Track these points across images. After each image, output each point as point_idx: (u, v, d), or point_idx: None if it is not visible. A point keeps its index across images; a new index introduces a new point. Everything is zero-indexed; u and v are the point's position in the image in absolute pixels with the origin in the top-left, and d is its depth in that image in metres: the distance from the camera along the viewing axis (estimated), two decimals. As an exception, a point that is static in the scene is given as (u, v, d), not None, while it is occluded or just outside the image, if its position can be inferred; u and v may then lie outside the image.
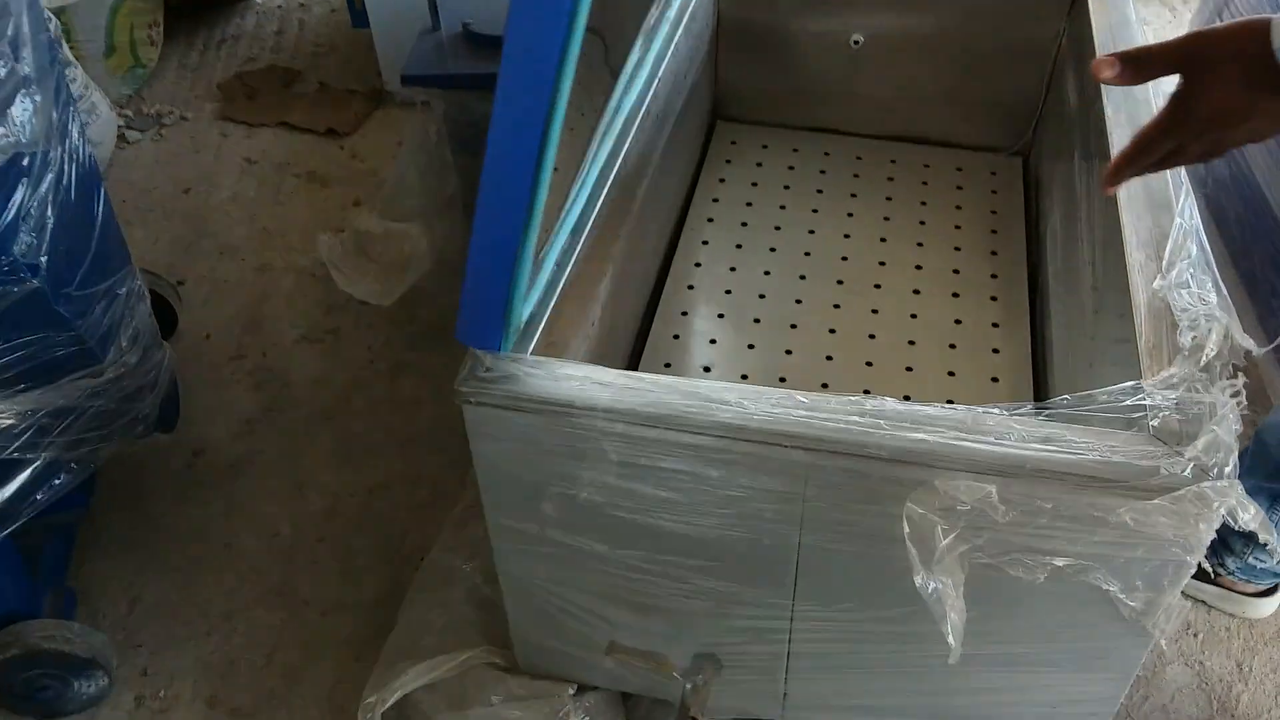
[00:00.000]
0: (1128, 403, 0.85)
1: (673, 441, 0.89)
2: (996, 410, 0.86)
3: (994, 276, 1.47)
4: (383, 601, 1.42)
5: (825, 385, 1.33)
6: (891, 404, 0.87)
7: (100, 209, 1.33)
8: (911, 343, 1.38)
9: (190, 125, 2.43)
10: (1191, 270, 0.95)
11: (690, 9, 1.45)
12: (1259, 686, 1.36)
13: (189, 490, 1.59)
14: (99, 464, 1.37)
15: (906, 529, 0.84)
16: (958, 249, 1.52)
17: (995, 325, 1.40)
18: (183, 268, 2.01)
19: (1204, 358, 0.87)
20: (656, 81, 1.32)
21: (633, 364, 1.37)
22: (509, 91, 0.75)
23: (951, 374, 1.34)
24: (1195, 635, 1.40)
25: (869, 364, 1.36)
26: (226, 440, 1.66)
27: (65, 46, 2.11)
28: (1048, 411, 0.86)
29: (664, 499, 0.94)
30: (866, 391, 1.32)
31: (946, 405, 0.86)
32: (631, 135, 1.24)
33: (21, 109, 1.12)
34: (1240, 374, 0.84)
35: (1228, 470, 0.78)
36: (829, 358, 1.37)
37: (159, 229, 2.11)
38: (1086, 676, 1.00)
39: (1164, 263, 0.97)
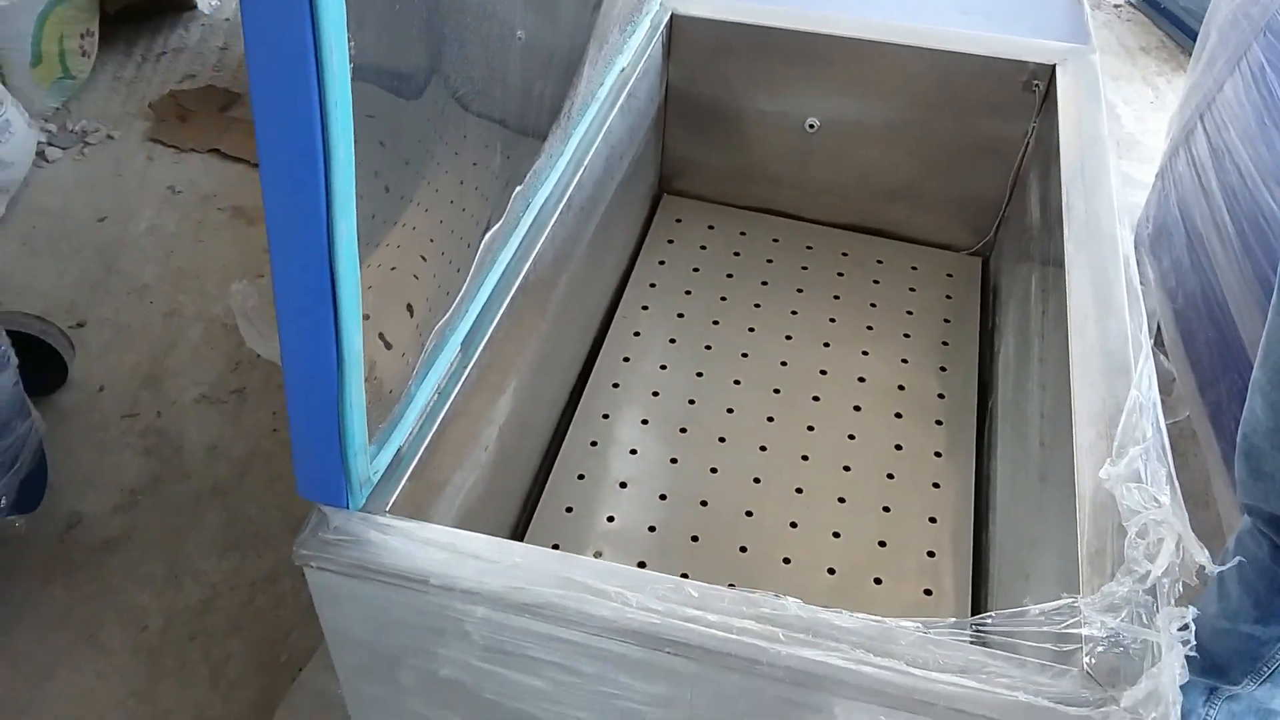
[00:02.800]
0: (1062, 627, 0.74)
1: (540, 632, 0.77)
2: (911, 625, 0.74)
3: (941, 396, 1.36)
4: (253, 718, 1.29)
5: (749, 513, 1.22)
6: (793, 607, 0.75)
7: (-43, 271, 1.19)
8: (847, 468, 1.27)
9: (116, 145, 2.29)
10: (1145, 458, 0.84)
11: (629, 85, 1.34)
12: None
13: (57, 569, 1.45)
14: (-58, 550, 1.24)
15: (800, 760, 0.72)
16: (905, 361, 1.41)
17: (938, 455, 1.29)
18: (86, 308, 1.87)
19: (1151, 575, 0.76)
20: (582, 171, 1.21)
21: (544, 475, 1.25)
22: (280, 226, 0.63)
23: (887, 509, 1.23)
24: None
25: (799, 490, 1.24)
26: (105, 513, 1.52)
27: (-22, 59, 1.97)
28: (972, 628, 0.75)
29: (533, 687, 0.82)
30: (794, 525, 1.21)
31: (855, 615, 0.74)
32: (547, 232, 1.13)
33: None
34: (1190, 606, 0.73)
35: (1168, 730, 0.67)
36: (756, 480, 1.25)
37: (67, 262, 1.97)
38: None
39: (1114, 445, 0.86)
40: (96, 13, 2.42)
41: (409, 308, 0.84)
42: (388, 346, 0.81)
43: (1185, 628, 0.72)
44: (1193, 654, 0.74)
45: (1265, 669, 1.04)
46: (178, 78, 2.49)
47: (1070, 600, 0.75)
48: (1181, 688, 1.10)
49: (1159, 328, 1.73)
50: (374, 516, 0.80)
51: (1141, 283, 1.76)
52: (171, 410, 1.68)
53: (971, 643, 0.74)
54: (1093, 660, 0.72)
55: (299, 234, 0.62)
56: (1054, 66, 1.37)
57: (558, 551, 0.80)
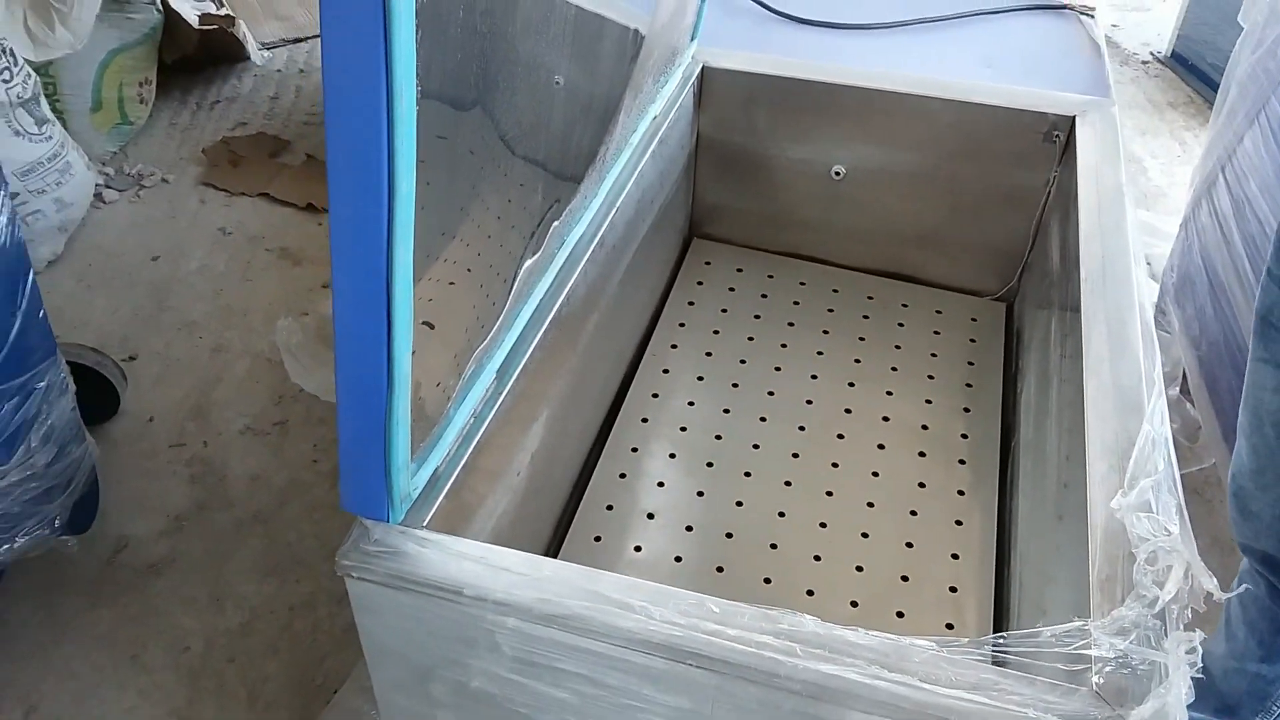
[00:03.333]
0: (1072, 648, 0.76)
1: (567, 644, 0.80)
2: (925, 643, 0.77)
3: (964, 436, 1.39)
4: (285, 738, 1.33)
5: (774, 546, 1.25)
6: (811, 624, 0.78)
7: (24, 300, 1.26)
8: (870, 504, 1.30)
9: (170, 189, 2.39)
10: (1155, 490, 0.86)
11: (660, 133, 1.39)
12: None
13: (104, 589, 1.51)
14: (1, 567, 1.30)
15: (815, 773, 0.75)
16: (929, 401, 1.44)
17: (961, 493, 1.31)
18: (138, 342, 1.95)
19: (1160, 600, 0.78)
20: (614, 211, 1.26)
21: (573, 506, 1.29)
22: (343, 251, 0.68)
23: (909, 545, 1.25)
24: None
25: (823, 525, 1.27)
26: (151, 537, 1.58)
27: (44, 103, 2.07)
28: (984, 648, 0.78)
29: (560, 699, 0.85)
30: (817, 558, 1.23)
31: (871, 633, 0.77)
32: (580, 268, 1.18)
33: (-71, 206, 1.06)
34: (1198, 630, 0.76)
35: (1173, 749, 0.70)
36: (781, 514, 1.28)
37: (121, 298, 2.06)
38: None
39: (1126, 477, 0.89)
40: (155, 62, 2.54)
41: (449, 333, 0.89)
42: (429, 370, 0.86)
43: (1193, 650, 0.75)
44: (1199, 676, 0.76)
45: (1274, 707, 1.05)
46: (230, 125, 2.60)
47: (1081, 623, 0.78)
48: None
49: (1184, 375, 1.75)
50: (412, 530, 0.85)
51: (1167, 330, 1.79)
52: (217, 441, 1.74)
53: (983, 662, 0.77)
54: (1101, 680, 0.74)
55: (361, 258, 0.67)
56: (1074, 118, 1.42)
57: (585, 567, 0.84)
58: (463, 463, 0.94)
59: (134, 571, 1.53)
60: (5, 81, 1.94)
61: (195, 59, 2.71)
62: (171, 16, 2.53)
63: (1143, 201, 2.40)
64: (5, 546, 1.29)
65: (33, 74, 2.03)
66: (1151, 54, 3.03)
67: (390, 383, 0.74)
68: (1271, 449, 1.04)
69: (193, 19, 2.63)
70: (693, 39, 1.50)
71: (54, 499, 1.33)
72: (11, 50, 1.95)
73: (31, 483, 1.28)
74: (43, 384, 1.29)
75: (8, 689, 1.40)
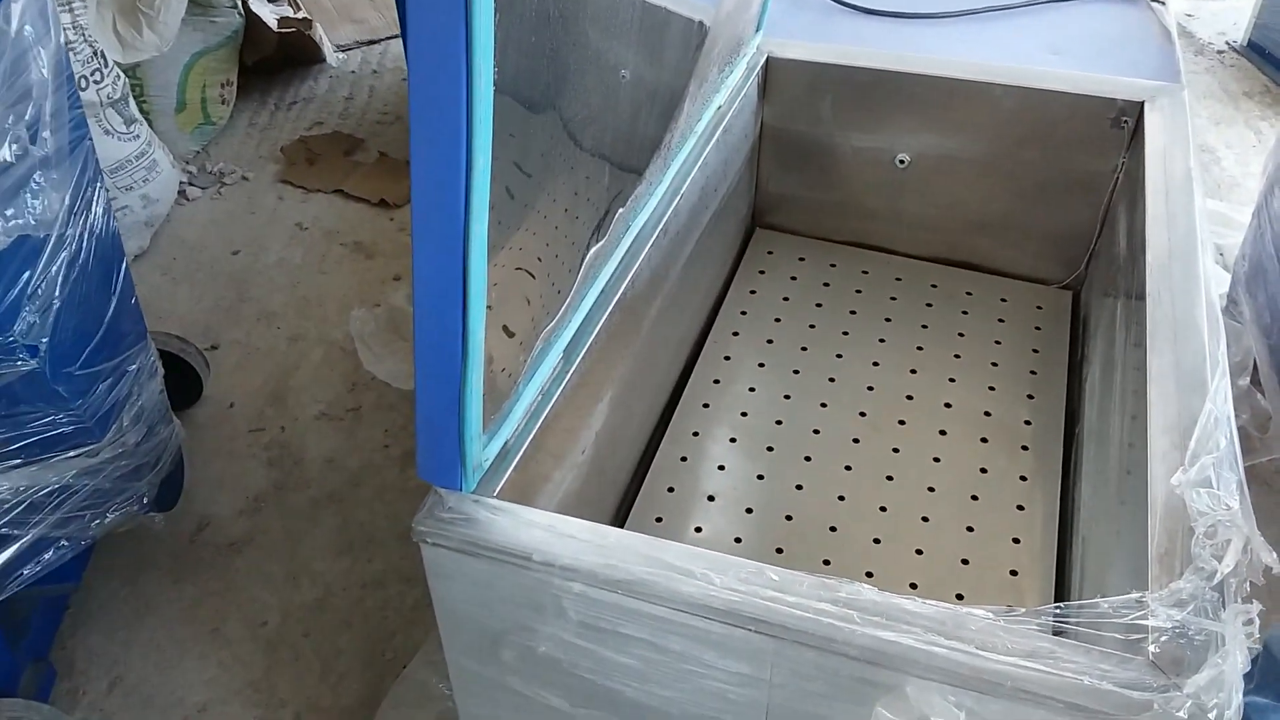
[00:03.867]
0: (1128, 619, 0.77)
1: (631, 609, 0.83)
2: (982, 612, 0.78)
3: (1028, 423, 1.38)
4: (358, 710, 1.37)
5: (833, 529, 1.26)
6: (868, 592, 0.80)
7: (119, 286, 1.33)
8: (931, 489, 1.30)
9: (250, 186, 2.48)
10: (1216, 466, 0.86)
11: (724, 122, 1.42)
12: None
13: (187, 567, 1.58)
14: (91, 541, 1.36)
15: (873, 736, 0.76)
16: (992, 388, 1.44)
17: (1023, 479, 1.31)
18: (219, 331, 2.03)
19: (1218, 573, 0.78)
20: (678, 198, 1.29)
21: (635, 487, 1.32)
22: (423, 222, 0.72)
23: (970, 529, 1.25)
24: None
25: (883, 509, 1.28)
26: (232, 517, 1.65)
27: (132, 104, 2.16)
28: (1042, 618, 0.79)
29: (623, 665, 0.88)
30: (876, 541, 1.24)
31: (928, 602, 0.79)
32: (644, 254, 1.21)
33: (34, 191, 1.13)
34: (1255, 601, 0.76)
35: (1229, 715, 0.70)
36: (841, 498, 1.30)
37: (203, 289, 2.14)
38: None
39: (1187, 454, 0.89)
40: (236, 65, 2.63)
41: (517, 313, 0.93)
42: (498, 349, 0.90)
43: (1250, 622, 0.75)
44: (1262, 655, 0.76)
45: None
46: (307, 125, 2.68)
47: (1138, 595, 0.78)
48: (1263, 710, 1.11)
49: (1255, 364, 1.72)
50: (484, 499, 0.88)
51: (1239, 320, 1.76)
52: (293, 426, 1.81)
53: (1041, 632, 0.78)
54: (1157, 649, 0.74)
55: (440, 235, 0.71)
56: (1142, 104, 1.40)
57: (648, 536, 0.86)
58: (530, 437, 0.98)
59: (215, 549, 1.60)
60: (96, 82, 2.04)
61: (274, 61, 2.80)
62: (252, 20, 2.63)
63: (1217, 192, 2.36)
64: (97, 521, 1.36)
65: (121, 75, 2.12)
66: (1227, 43, 2.97)
67: (465, 353, 0.78)
68: None
69: (272, 22, 2.72)
70: (757, 30, 1.52)
71: (142, 477, 1.40)
72: (102, 53, 2.05)
73: (122, 460, 1.35)
74: (134, 367, 1.36)
75: (95, 660, 1.47)
